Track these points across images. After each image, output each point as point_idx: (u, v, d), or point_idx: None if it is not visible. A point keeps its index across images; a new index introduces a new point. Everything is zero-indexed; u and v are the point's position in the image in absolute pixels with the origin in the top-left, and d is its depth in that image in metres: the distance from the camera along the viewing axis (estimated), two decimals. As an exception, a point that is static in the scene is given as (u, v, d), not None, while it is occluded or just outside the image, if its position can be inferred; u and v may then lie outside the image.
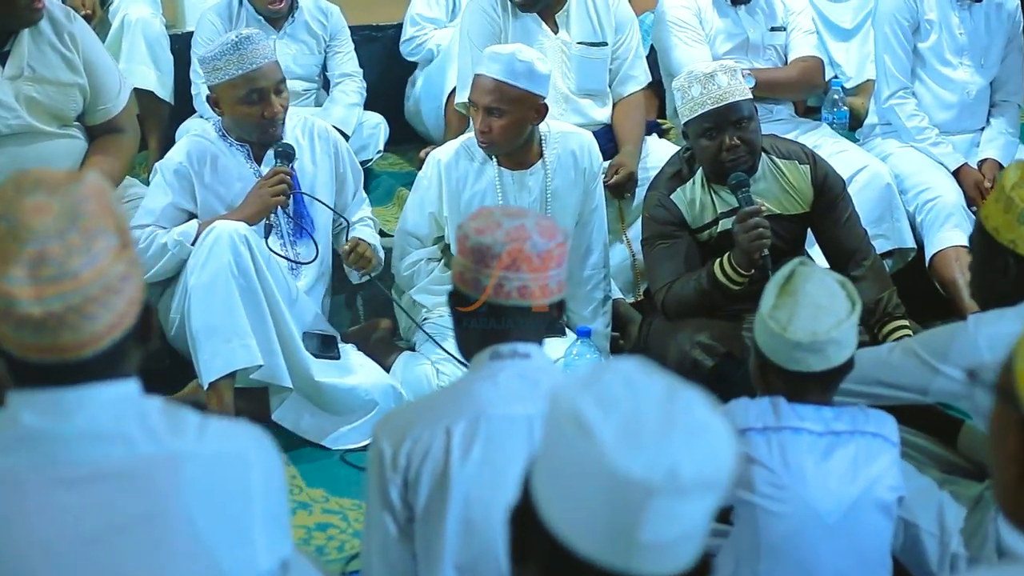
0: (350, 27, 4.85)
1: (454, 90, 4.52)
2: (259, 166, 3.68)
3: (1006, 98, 4.59)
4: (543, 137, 3.77)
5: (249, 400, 3.52)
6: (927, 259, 4.26)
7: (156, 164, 3.82)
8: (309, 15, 4.72)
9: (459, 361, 3.11)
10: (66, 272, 1.52)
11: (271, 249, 3.55)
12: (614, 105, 4.45)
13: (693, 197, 3.57)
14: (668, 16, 4.54)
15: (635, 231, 4.04)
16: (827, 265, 3.60)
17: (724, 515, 2.36)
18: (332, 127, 4.01)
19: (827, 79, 4.89)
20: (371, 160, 4.83)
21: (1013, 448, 1.35)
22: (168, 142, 4.28)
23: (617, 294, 4.10)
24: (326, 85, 4.85)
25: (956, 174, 4.39)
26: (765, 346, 2.39)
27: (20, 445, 1.57)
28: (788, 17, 4.64)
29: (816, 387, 2.38)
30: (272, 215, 3.60)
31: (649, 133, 4.53)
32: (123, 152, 3.89)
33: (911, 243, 4.31)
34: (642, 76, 4.50)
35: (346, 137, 4.34)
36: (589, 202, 3.85)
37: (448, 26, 5.04)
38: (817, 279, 2.38)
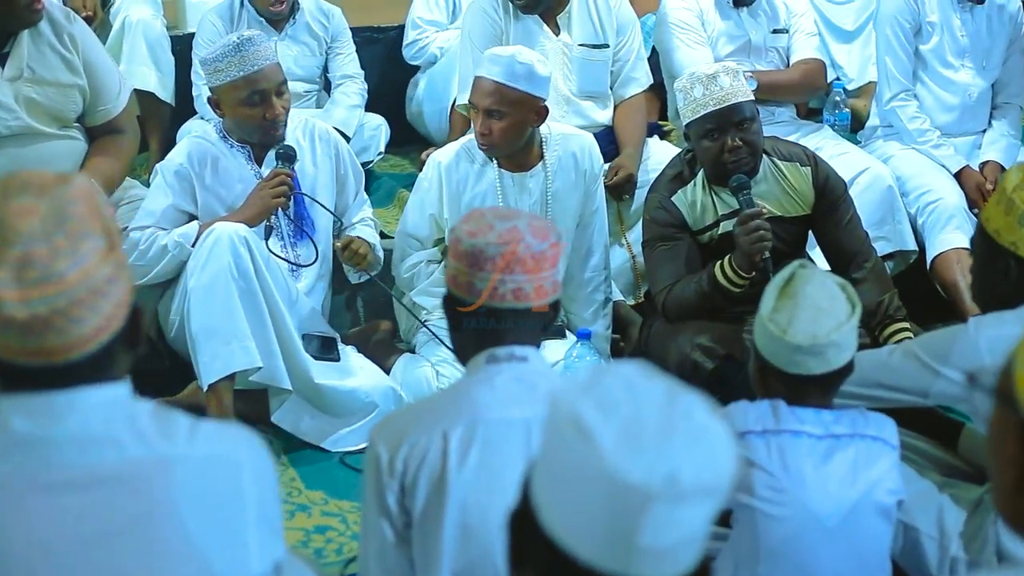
0: (351, 29, 4.85)
1: (460, 92, 4.53)
2: (260, 168, 3.67)
3: (1008, 100, 4.59)
4: (544, 139, 3.76)
5: (249, 402, 3.51)
6: (928, 261, 4.26)
7: (157, 165, 3.82)
8: (310, 17, 4.72)
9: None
10: (51, 274, 1.51)
11: (271, 251, 3.55)
12: (615, 107, 4.44)
13: (694, 199, 3.56)
14: (670, 18, 4.53)
15: (635, 233, 4.04)
16: (828, 267, 3.59)
17: (723, 518, 2.36)
18: (333, 129, 3.99)
19: (829, 81, 4.88)
20: (372, 162, 4.82)
21: (1012, 452, 1.35)
22: (169, 143, 4.28)
23: (618, 296, 4.10)
24: (327, 87, 4.84)
25: (957, 176, 4.38)
26: (765, 349, 2.38)
27: (12, 450, 1.56)
28: (790, 19, 4.64)
29: (816, 390, 2.38)
30: (272, 217, 3.59)
31: (650, 135, 4.52)
32: (123, 153, 3.88)
33: (912, 245, 4.31)
34: (643, 78, 4.49)
35: (347, 139, 4.33)
36: (590, 204, 3.84)
37: (449, 28, 5.04)
38: (817, 281, 2.37)
